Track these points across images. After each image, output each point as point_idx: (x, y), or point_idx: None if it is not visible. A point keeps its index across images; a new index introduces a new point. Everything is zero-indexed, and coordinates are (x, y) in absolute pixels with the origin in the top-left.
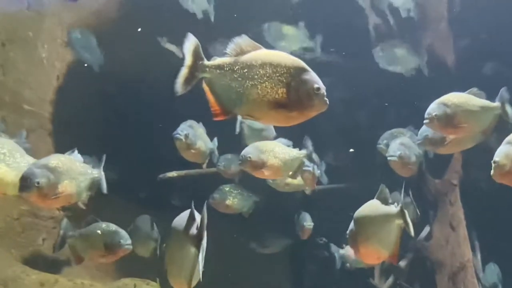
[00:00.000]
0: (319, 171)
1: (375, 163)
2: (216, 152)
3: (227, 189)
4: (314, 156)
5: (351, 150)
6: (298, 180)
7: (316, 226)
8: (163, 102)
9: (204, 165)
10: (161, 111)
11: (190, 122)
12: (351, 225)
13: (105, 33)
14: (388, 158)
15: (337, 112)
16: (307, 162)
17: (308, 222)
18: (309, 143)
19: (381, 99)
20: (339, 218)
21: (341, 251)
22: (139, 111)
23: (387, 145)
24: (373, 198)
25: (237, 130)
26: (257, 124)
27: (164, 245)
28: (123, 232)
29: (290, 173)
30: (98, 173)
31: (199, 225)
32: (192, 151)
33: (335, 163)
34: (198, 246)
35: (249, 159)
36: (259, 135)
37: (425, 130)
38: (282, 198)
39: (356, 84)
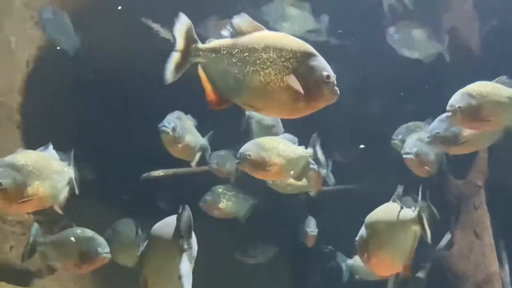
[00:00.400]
0: (325, 170)
1: (388, 161)
2: (209, 149)
3: (220, 190)
4: (321, 156)
5: (362, 146)
6: (302, 181)
7: (322, 233)
8: (149, 92)
9: (194, 163)
10: (146, 102)
11: (178, 113)
12: (362, 231)
13: (81, 12)
14: (404, 155)
15: (345, 102)
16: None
17: (311, 228)
18: (316, 142)
19: (396, 88)
20: (347, 224)
21: (349, 261)
22: (121, 101)
23: (403, 141)
24: (386, 201)
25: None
26: (267, 120)
27: (139, 254)
28: (100, 239)
29: (292, 172)
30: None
31: (182, 232)
32: (180, 145)
33: (344, 161)
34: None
35: (248, 157)
36: (269, 132)
37: (435, 127)
38: (283, 200)
39: (368, 71)
